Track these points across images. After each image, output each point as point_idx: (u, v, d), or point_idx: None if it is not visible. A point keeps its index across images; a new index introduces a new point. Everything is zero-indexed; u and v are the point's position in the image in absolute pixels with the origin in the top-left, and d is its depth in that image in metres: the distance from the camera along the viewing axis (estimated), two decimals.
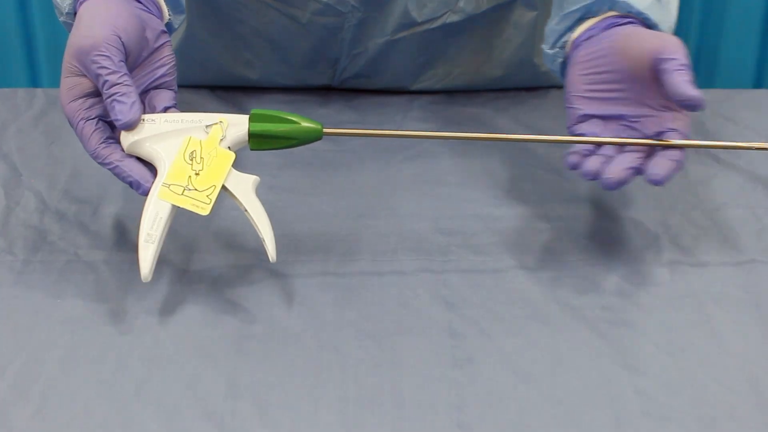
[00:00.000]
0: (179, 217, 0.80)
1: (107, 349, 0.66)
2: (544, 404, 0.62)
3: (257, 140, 0.70)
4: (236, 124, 0.70)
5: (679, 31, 0.72)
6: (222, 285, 0.72)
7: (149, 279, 0.67)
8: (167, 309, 0.70)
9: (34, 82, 1.44)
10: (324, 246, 0.76)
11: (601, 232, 0.78)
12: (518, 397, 0.63)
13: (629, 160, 0.68)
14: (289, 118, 0.70)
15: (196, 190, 0.68)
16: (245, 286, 0.72)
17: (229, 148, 0.69)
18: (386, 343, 0.67)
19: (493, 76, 0.96)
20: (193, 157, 0.68)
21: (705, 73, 1.44)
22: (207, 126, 0.69)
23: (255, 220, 0.68)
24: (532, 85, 0.97)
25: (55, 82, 1.44)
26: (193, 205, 0.68)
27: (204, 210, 0.68)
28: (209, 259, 0.75)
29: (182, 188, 0.68)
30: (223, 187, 0.69)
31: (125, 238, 0.77)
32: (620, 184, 0.67)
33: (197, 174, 0.68)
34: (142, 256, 0.67)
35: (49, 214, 0.79)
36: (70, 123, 0.69)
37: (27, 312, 0.69)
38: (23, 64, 1.39)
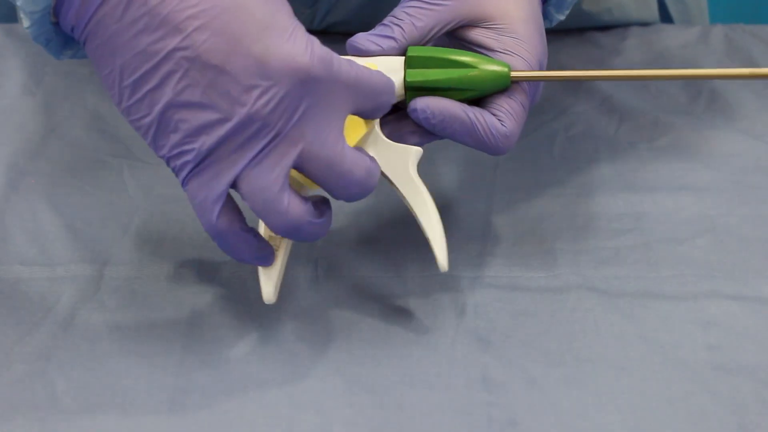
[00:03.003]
0: (81, 211, 0.78)
1: None
2: None
3: (418, 94, 0.70)
4: (388, 71, 0.69)
5: None
6: (149, 310, 0.72)
7: (273, 301, 0.68)
8: (68, 346, 0.69)
9: None
10: (301, 256, 0.75)
11: (700, 234, 0.78)
12: None
13: None
14: (463, 59, 0.70)
15: None
16: (184, 312, 0.72)
17: None
18: (390, 398, 0.66)
19: None
20: None
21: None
22: None
23: (415, 211, 0.69)
24: (569, 26, 0.98)
25: None
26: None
27: None
28: (130, 272, 0.75)
29: None
30: None
31: (5, 243, 0.76)
32: None
33: None
34: (263, 269, 0.68)
35: None
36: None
37: None
38: None
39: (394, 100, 0.67)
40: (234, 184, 0.63)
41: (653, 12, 1.00)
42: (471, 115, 0.69)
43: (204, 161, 0.63)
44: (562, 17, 0.78)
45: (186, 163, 0.63)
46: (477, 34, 0.71)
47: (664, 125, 0.88)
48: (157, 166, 0.84)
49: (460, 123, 0.69)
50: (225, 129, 0.62)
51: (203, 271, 0.74)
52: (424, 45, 0.71)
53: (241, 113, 0.62)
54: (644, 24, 1.00)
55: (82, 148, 0.85)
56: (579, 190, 0.82)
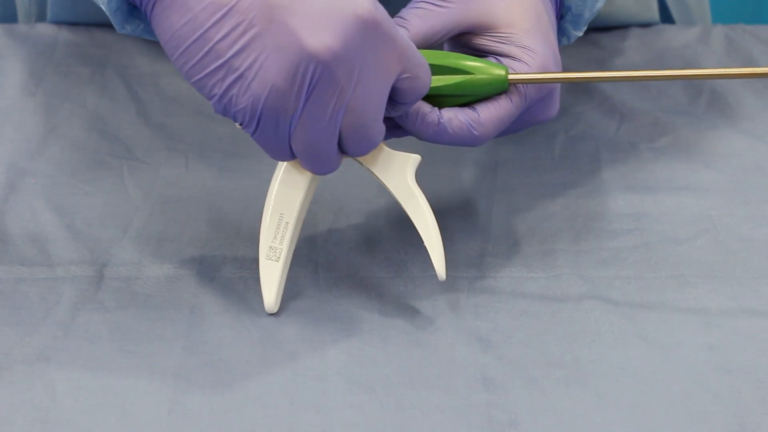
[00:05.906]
0: (81, 211, 0.78)
1: None
2: None
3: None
4: None
5: None
6: (149, 310, 0.71)
7: (275, 310, 0.70)
8: (68, 346, 0.68)
9: None
10: (301, 256, 0.75)
11: (700, 234, 0.78)
12: None
13: None
14: (462, 63, 0.70)
15: None
16: (184, 312, 0.71)
17: None
18: (390, 398, 0.65)
19: None
20: None
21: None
22: None
23: (413, 219, 0.69)
24: None
25: None
26: None
27: None
28: (130, 272, 0.75)
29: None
30: (369, 172, 0.70)
31: (5, 243, 0.76)
32: None
33: None
34: (264, 279, 0.70)
35: None
36: None
37: None
38: None
39: (429, 84, 0.67)
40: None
41: (654, 12, 1.00)
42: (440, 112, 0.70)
43: (270, 106, 0.64)
44: (579, 33, 0.78)
45: (255, 111, 0.64)
46: (482, 42, 0.71)
47: (665, 125, 0.88)
48: (157, 166, 0.84)
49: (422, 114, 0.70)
50: (289, 70, 0.63)
51: (203, 271, 0.74)
52: (429, 47, 0.71)
53: (307, 51, 0.63)
54: (645, 24, 1.00)
55: (82, 148, 0.85)
56: (579, 191, 0.82)
